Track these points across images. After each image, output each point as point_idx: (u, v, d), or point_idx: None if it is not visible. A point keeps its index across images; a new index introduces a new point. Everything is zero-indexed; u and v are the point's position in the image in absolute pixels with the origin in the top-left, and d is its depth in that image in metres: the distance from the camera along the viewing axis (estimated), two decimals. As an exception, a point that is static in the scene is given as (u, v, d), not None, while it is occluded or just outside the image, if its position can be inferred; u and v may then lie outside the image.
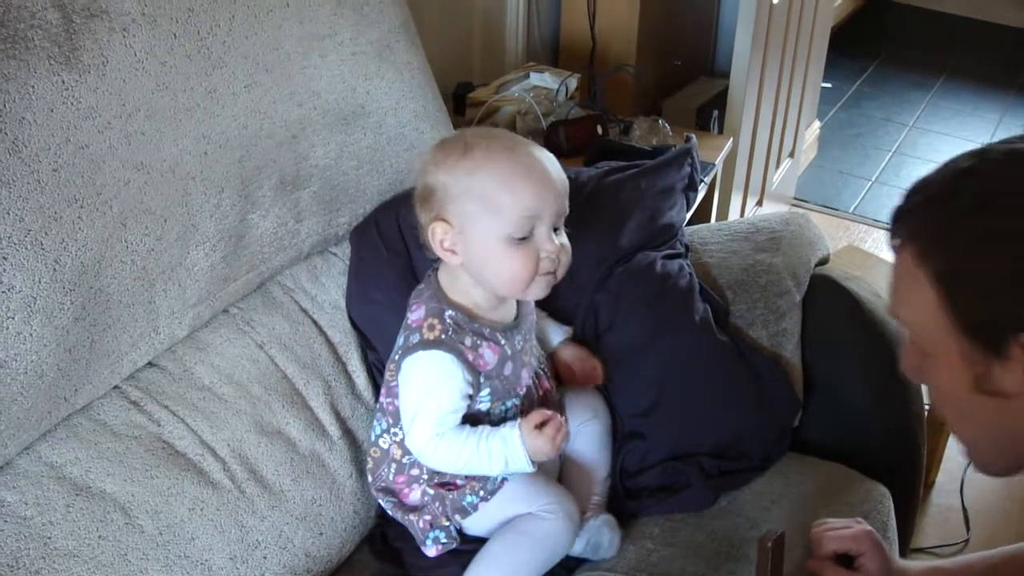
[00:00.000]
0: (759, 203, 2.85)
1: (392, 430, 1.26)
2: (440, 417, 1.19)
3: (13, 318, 1.01)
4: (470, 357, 1.19)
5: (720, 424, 1.37)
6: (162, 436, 1.17)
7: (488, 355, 1.21)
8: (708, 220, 2.34)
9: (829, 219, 3.17)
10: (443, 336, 1.19)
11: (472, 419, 1.23)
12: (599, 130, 2.02)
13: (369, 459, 1.30)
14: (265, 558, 1.19)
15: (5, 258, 1.00)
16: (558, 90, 2.14)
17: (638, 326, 1.39)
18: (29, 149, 1.01)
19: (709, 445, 1.37)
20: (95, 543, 1.07)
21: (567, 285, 1.28)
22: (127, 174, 1.11)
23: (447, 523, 1.25)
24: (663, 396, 1.38)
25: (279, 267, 1.37)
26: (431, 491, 1.25)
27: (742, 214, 2.66)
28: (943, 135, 3.68)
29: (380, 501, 1.30)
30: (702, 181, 1.99)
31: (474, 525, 1.25)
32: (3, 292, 1.00)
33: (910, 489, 1.47)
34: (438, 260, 1.25)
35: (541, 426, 1.18)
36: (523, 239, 1.16)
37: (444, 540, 1.25)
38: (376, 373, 1.39)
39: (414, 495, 1.26)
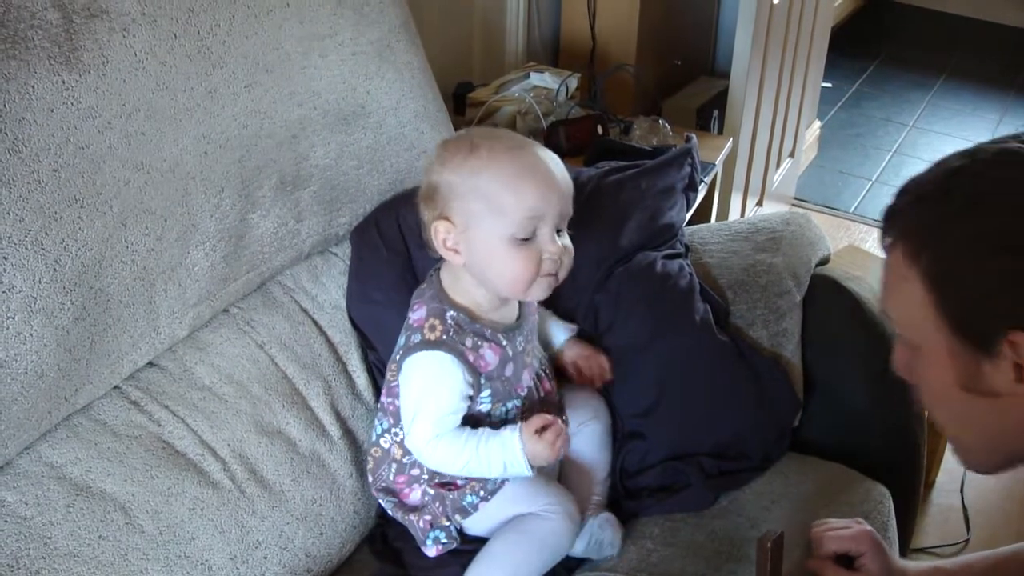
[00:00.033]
0: (759, 203, 2.85)
1: (393, 430, 1.26)
2: (440, 417, 1.19)
3: (13, 318, 1.01)
4: (471, 358, 1.19)
5: (720, 424, 1.37)
6: (162, 436, 1.17)
7: (489, 356, 1.21)
8: (708, 220, 2.34)
9: (829, 219, 3.17)
10: (444, 337, 1.19)
11: (473, 420, 1.23)
12: (599, 130, 2.02)
13: (370, 459, 1.30)
14: (265, 558, 1.19)
15: (5, 258, 1.00)
16: (558, 90, 2.14)
17: (638, 326, 1.39)
18: (29, 149, 1.01)
19: (709, 445, 1.37)
20: (95, 543, 1.07)
21: (567, 285, 1.28)
22: (127, 174, 1.11)
23: (447, 523, 1.25)
24: (663, 396, 1.38)
25: (279, 267, 1.37)
26: (431, 491, 1.25)
27: (742, 214, 2.66)
28: (943, 135, 3.68)
29: (380, 501, 1.30)
30: (702, 181, 1.99)
31: (474, 525, 1.25)
32: (3, 292, 1.00)
33: (910, 489, 1.47)
34: (440, 260, 1.25)
35: (542, 431, 1.18)
36: (526, 240, 1.16)
37: (444, 540, 1.25)
38: (376, 373, 1.39)
39: (414, 495, 1.26)
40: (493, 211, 1.15)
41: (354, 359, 1.38)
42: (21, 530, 1.04)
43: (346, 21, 1.37)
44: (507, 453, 1.18)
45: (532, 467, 1.19)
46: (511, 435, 1.18)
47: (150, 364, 1.22)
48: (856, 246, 2.73)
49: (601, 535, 1.26)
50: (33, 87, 1.02)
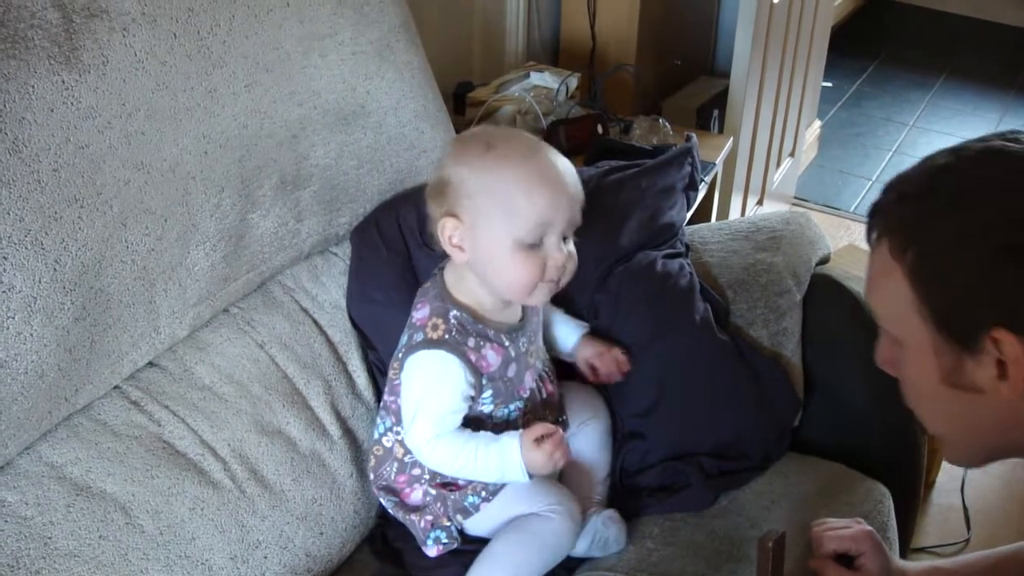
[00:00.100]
0: (759, 202, 2.85)
1: (395, 428, 1.26)
2: (440, 417, 1.19)
3: (13, 318, 1.01)
4: (473, 358, 1.19)
5: (720, 424, 1.37)
6: (162, 436, 1.17)
7: (491, 357, 1.21)
8: (708, 219, 2.34)
9: (830, 218, 3.17)
10: (446, 336, 1.19)
11: (474, 422, 1.23)
12: (599, 129, 2.02)
13: (372, 457, 1.30)
14: (266, 558, 1.19)
15: (5, 258, 1.00)
16: (558, 89, 2.14)
17: (638, 326, 1.39)
18: (29, 149, 1.01)
19: (709, 445, 1.37)
20: (95, 543, 1.07)
21: (568, 284, 1.27)
22: (127, 174, 1.11)
23: (448, 523, 1.25)
24: (663, 396, 1.37)
25: (279, 267, 1.37)
26: (433, 491, 1.25)
27: (742, 213, 2.66)
28: (943, 135, 3.68)
29: (381, 500, 1.30)
30: (702, 180, 1.98)
31: (476, 525, 1.25)
32: (3, 292, 1.00)
33: (910, 489, 1.47)
34: (443, 259, 1.25)
35: (542, 439, 1.17)
36: (532, 246, 1.16)
37: (445, 540, 1.25)
38: (376, 373, 1.39)
39: (415, 495, 1.26)
40: (503, 213, 1.15)
41: (354, 359, 1.38)
42: (21, 530, 1.04)
43: (346, 21, 1.37)
44: (505, 460, 1.18)
45: (529, 475, 1.19)
46: (511, 442, 1.18)
47: (150, 364, 1.22)
48: (856, 245, 2.73)
49: (606, 532, 1.26)
50: (33, 87, 1.02)
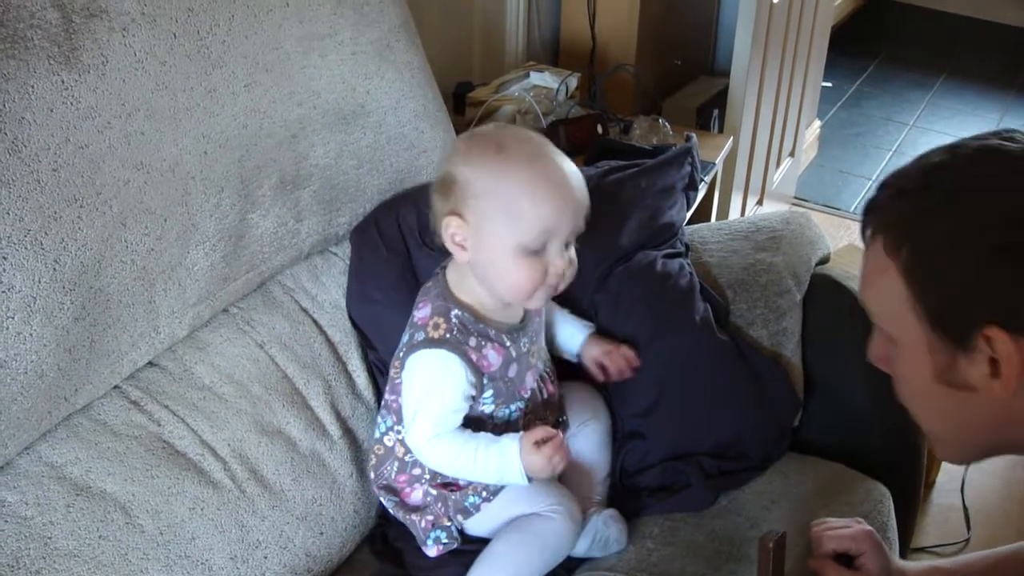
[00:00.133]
0: (759, 202, 2.85)
1: (396, 428, 1.26)
2: (441, 416, 1.19)
3: (13, 318, 1.01)
4: (474, 358, 1.19)
5: (720, 424, 1.37)
6: (162, 436, 1.17)
7: (492, 356, 1.21)
8: (708, 219, 2.34)
9: (829, 218, 3.17)
10: (447, 335, 1.19)
11: (475, 422, 1.23)
12: (599, 129, 2.02)
13: (372, 456, 1.29)
14: (266, 558, 1.19)
15: (5, 258, 1.00)
16: (558, 89, 2.14)
17: (638, 326, 1.39)
18: (29, 149, 1.01)
19: (709, 445, 1.37)
20: (95, 543, 1.07)
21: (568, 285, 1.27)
22: (127, 174, 1.11)
23: (448, 523, 1.25)
24: (663, 396, 1.37)
25: (279, 267, 1.37)
26: (433, 491, 1.25)
27: (742, 213, 2.66)
28: (943, 134, 3.68)
29: (382, 499, 1.30)
30: (702, 180, 1.98)
31: (476, 526, 1.25)
32: (3, 292, 1.00)
33: (910, 489, 1.47)
34: (444, 258, 1.25)
35: (543, 443, 1.17)
36: (535, 251, 1.16)
37: (445, 540, 1.25)
38: (376, 372, 1.39)
39: (416, 495, 1.26)
40: (508, 217, 1.15)
41: (354, 359, 1.38)
42: (21, 530, 1.04)
43: (346, 21, 1.37)
44: (505, 462, 1.18)
45: (528, 479, 1.18)
46: (510, 444, 1.18)
47: (150, 364, 1.21)
48: (856, 245, 2.73)
49: (607, 531, 1.26)
50: (33, 87, 1.02)
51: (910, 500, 1.47)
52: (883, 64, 4.23)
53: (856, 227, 3.08)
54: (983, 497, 2.13)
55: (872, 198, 0.92)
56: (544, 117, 2.05)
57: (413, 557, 1.27)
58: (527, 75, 2.19)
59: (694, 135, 1.82)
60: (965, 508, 2.06)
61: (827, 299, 1.49)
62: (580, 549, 1.26)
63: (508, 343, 1.23)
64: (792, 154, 3.10)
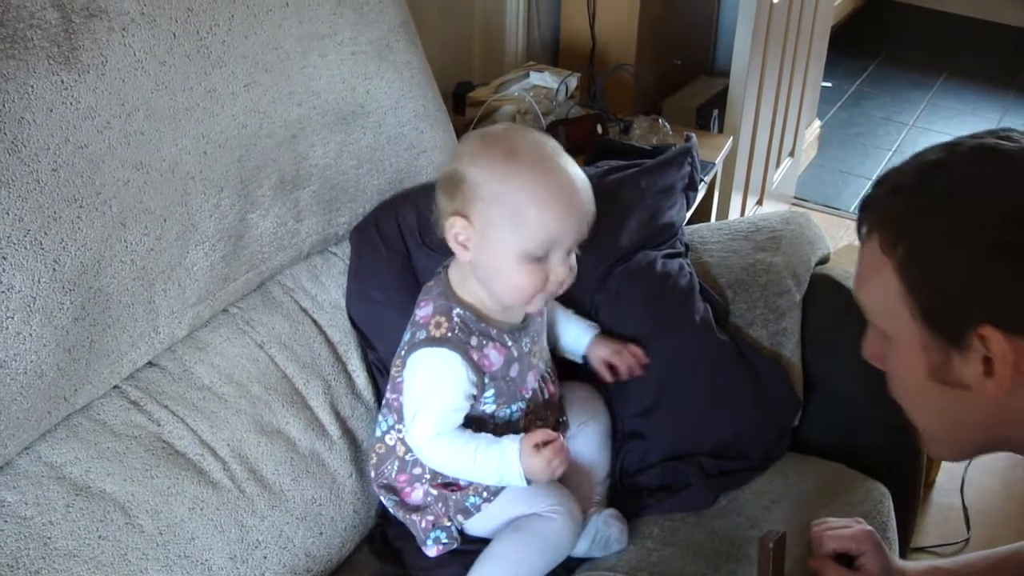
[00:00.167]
0: (759, 202, 2.85)
1: (397, 426, 1.26)
2: (442, 415, 1.19)
3: (13, 318, 1.01)
4: (475, 357, 1.19)
5: (720, 424, 1.37)
6: (162, 436, 1.17)
7: (494, 356, 1.21)
8: (708, 219, 2.34)
9: (829, 218, 3.17)
10: (449, 334, 1.19)
11: (476, 421, 1.23)
12: (599, 129, 2.02)
13: (373, 455, 1.29)
14: (265, 558, 1.19)
15: (4, 258, 1.00)
16: (558, 89, 2.14)
17: (638, 326, 1.39)
18: (28, 149, 1.01)
19: (709, 445, 1.37)
20: (95, 543, 1.07)
21: (567, 285, 1.28)
22: (126, 174, 1.11)
23: (449, 523, 1.25)
24: (663, 396, 1.37)
25: (279, 267, 1.37)
26: (434, 491, 1.25)
27: (742, 213, 2.66)
28: (943, 134, 3.68)
29: (382, 498, 1.29)
30: (702, 180, 1.98)
31: (476, 526, 1.25)
32: (3, 292, 1.00)
33: (910, 489, 1.47)
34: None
35: (543, 445, 1.17)
36: (538, 258, 1.16)
37: (445, 540, 1.25)
38: (376, 372, 1.39)
39: (416, 494, 1.26)
40: (514, 224, 1.14)
41: (354, 359, 1.38)
42: (21, 530, 1.04)
43: (345, 21, 1.37)
44: (504, 463, 1.18)
45: (528, 481, 1.18)
46: (511, 445, 1.18)
47: (150, 364, 1.21)
48: (855, 245, 2.73)
49: (607, 531, 1.26)
50: (32, 87, 1.02)
51: (910, 500, 1.47)
52: (883, 64, 4.23)
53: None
54: (983, 497, 2.12)
55: (868, 195, 0.92)
56: (544, 117, 2.05)
57: (413, 557, 1.27)
58: (527, 75, 2.19)
59: (694, 135, 1.81)
60: (965, 508, 2.06)
61: (827, 299, 1.49)
62: (580, 549, 1.26)
63: (510, 343, 1.23)
64: (792, 154, 3.10)
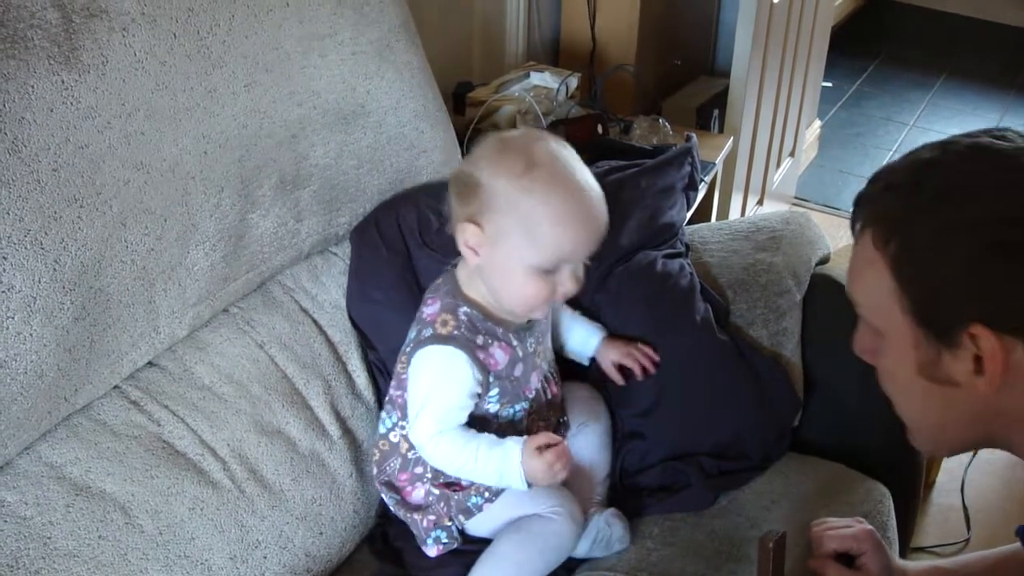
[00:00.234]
0: (759, 202, 2.85)
1: (401, 423, 1.26)
2: (446, 412, 1.19)
3: (13, 318, 1.01)
4: (481, 356, 1.19)
5: (720, 424, 1.37)
6: (162, 436, 1.17)
7: (499, 355, 1.21)
8: (708, 219, 2.34)
9: (830, 218, 3.17)
10: (455, 332, 1.19)
11: (479, 421, 1.23)
12: (599, 129, 2.02)
13: (376, 451, 1.29)
14: (265, 558, 1.19)
15: (5, 258, 1.00)
16: (558, 89, 2.13)
17: (638, 326, 1.39)
18: (29, 149, 1.01)
19: (709, 445, 1.37)
20: (95, 543, 1.07)
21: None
22: (127, 174, 1.11)
23: (450, 523, 1.25)
24: (663, 396, 1.37)
25: (279, 267, 1.37)
26: (436, 491, 1.25)
27: (742, 213, 2.66)
28: (943, 134, 3.60)
29: (383, 495, 1.29)
30: (702, 180, 1.98)
31: (477, 526, 1.25)
32: (3, 292, 1.00)
33: (910, 489, 1.47)
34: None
35: (545, 448, 1.17)
36: (547, 271, 1.16)
37: (445, 540, 1.25)
38: (376, 372, 1.39)
39: (417, 493, 1.26)
40: (527, 238, 1.14)
41: (354, 359, 1.38)
42: (21, 530, 1.04)
43: (346, 21, 1.37)
44: (506, 464, 1.18)
45: (528, 484, 1.18)
46: (513, 447, 1.18)
47: (150, 364, 1.21)
48: (856, 245, 2.73)
49: (609, 531, 1.26)
50: (33, 87, 1.02)
51: (910, 500, 1.47)
52: (883, 64, 4.23)
53: (856, 227, 3.10)
54: (983, 497, 2.12)
55: (862, 191, 0.93)
56: (544, 117, 2.04)
57: (413, 557, 1.27)
58: (527, 75, 2.19)
59: (694, 135, 1.82)
60: (965, 508, 2.06)
61: (827, 299, 1.49)
62: (582, 550, 1.26)
63: (515, 343, 1.23)
64: (792, 154, 3.10)
